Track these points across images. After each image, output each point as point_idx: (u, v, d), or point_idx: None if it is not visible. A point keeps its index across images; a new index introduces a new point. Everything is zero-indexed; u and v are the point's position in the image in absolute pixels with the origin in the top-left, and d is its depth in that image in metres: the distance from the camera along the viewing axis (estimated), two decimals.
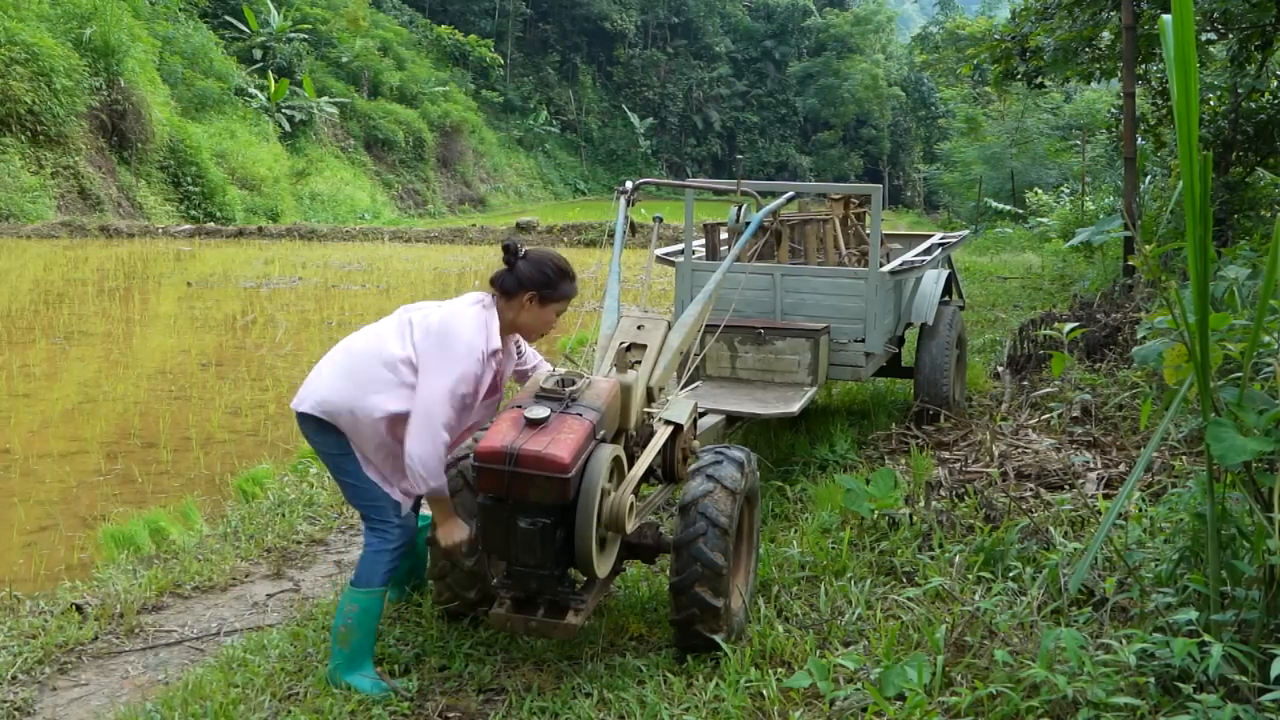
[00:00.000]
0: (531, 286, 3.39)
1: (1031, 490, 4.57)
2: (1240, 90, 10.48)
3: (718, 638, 3.27)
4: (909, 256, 6.50)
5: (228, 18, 36.36)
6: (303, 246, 20.61)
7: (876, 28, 63.34)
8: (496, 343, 3.38)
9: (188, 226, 22.21)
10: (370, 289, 14.08)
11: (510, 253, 3.43)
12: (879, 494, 4.37)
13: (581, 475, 3.09)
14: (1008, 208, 27.55)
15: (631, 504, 3.25)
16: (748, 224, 4.59)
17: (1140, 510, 3.84)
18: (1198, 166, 2.47)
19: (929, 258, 6.41)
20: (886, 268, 5.79)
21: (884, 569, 3.98)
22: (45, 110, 21.96)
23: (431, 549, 3.59)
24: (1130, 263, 8.75)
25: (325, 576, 4.40)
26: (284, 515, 4.99)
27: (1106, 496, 4.34)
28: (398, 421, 3.25)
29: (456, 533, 3.35)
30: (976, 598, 3.41)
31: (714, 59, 61.76)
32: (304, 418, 3.34)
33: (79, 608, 3.92)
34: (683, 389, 4.27)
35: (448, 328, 3.30)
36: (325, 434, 3.32)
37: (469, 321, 3.31)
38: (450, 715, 3.16)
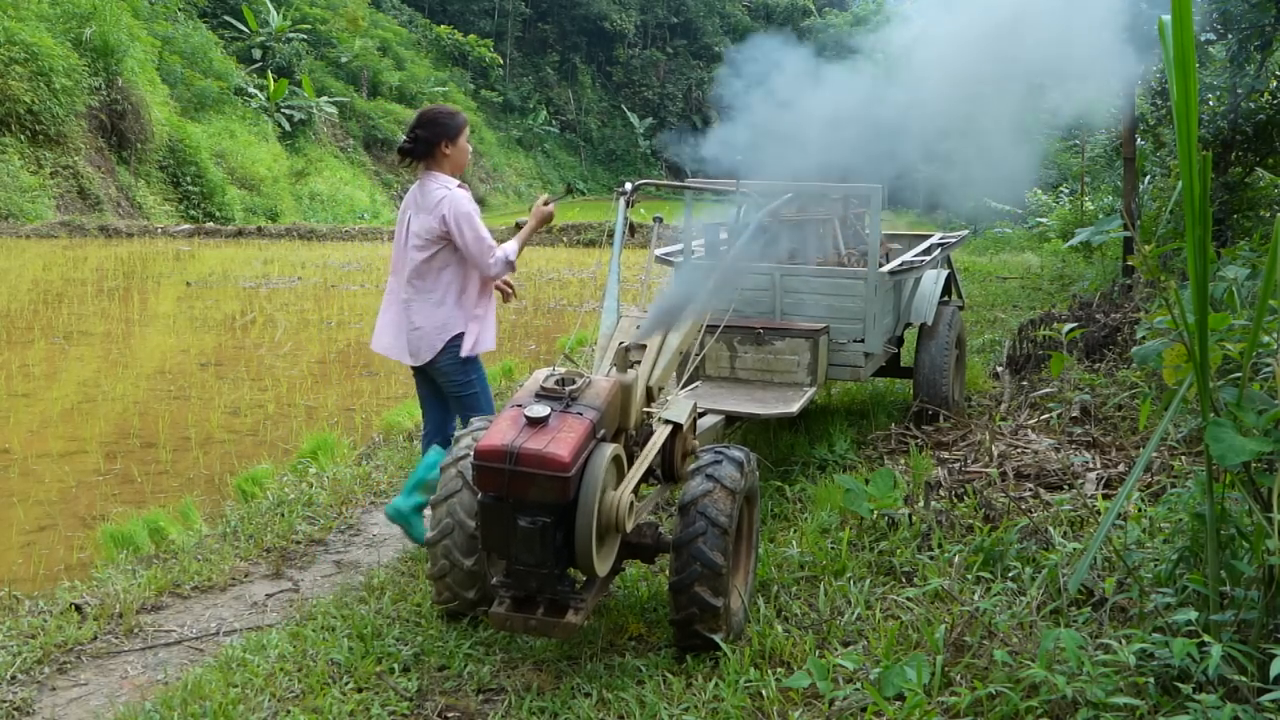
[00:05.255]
0: (438, 139, 4.31)
1: (1031, 490, 4.57)
2: (1240, 90, 10.48)
3: (717, 638, 3.27)
4: (908, 257, 6.50)
5: (227, 18, 36.32)
6: (302, 246, 20.58)
7: (876, 28, 63.36)
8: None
9: (187, 226, 22.19)
10: (370, 289, 14.06)
11: (409, 137, 4.32)
12: (878, 494, 4.37)
13: (582, 474, 3.09)
14: (1008, 208, 27.52)
15: (631, 503, 3.25)
16: (747, 225, 4.59)
17: (1140, 510, 3.84)
18: (1197, 166, 2.48)
19: (928, 258, 6.41)
20: (886, 268, 5.79)
21: (883, 569, 3.98)
22: (45, 110, 21.92)
23: (431, 550, 3.59)
24: (1130, 263, 8.76)
25: (324, 576, 4.40)
26: (283, 515, 4.99)
27: (1106, 496, 4.34)
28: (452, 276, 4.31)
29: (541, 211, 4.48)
30: (976, 598, 3.41)
31: (714, 59, 61.73)
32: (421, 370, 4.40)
33: (78, 608, 3.92)
34: (682, 389, 4.27)
35: (460, 210, 4.26)
36: (445, 362, 4.30)
37: (462, 198, 4.28)
38: (450, 715, 3.16)
